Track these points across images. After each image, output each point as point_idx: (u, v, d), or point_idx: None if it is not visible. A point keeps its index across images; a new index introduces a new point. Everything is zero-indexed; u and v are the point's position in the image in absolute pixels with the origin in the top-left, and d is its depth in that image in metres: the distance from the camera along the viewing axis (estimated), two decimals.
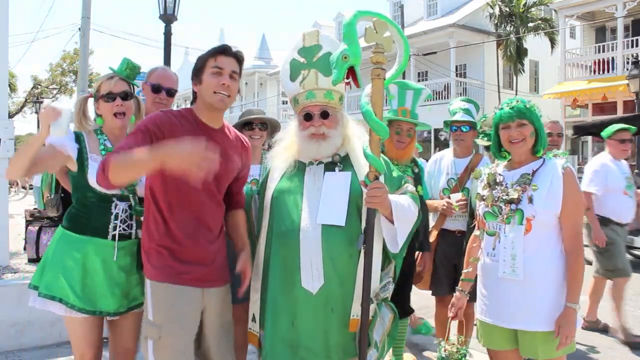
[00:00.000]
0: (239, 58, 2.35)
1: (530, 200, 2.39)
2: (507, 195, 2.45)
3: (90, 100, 2.68)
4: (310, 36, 2.39)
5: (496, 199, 2.50)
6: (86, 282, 2.45)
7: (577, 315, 2.36)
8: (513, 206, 2.43)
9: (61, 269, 2.45)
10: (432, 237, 3.74)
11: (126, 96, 2.57)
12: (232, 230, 2.53)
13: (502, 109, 2.50)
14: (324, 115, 2.32)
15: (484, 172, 2.65)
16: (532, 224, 2.39)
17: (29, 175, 2.58)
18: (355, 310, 2.23)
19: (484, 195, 2.57)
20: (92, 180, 2.45)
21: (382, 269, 2.35)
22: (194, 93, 2.37)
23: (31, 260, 5.33)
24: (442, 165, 3.87)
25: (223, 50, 2.31)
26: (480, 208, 2.58)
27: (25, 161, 2.35)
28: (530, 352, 2.45)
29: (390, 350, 2.40)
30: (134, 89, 2.66)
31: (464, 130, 3.70)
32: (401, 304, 3.42)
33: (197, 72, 2.32)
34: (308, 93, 2.34)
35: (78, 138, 2.53)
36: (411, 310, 3.54)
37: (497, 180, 2.54)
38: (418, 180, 3.45)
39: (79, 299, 2.44)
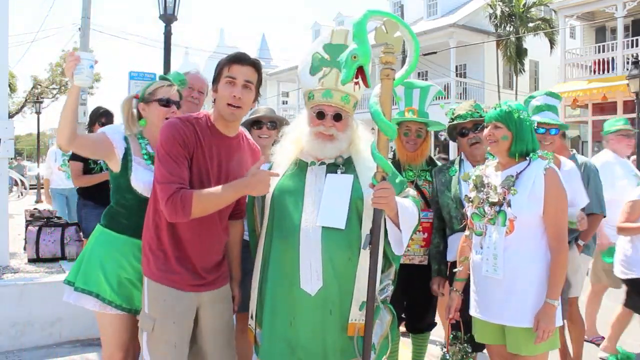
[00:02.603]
0: (255, 66, 2.33)
1: (509, 204, 2.48)
2: (490, 198, 2.56)
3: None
4: (339, 34, 2.37)
5: (482, 200, 2.60)
6: (123, 280, 2.48)
7: (557, 311, 2.44)
8: (497, 208, 2.53)
9: (99, 265, 2.49)
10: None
11: (178, 106, 2.68)
12: (228, 243, 2.54)
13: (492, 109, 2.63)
14: (337, 117, 2.30)
15: (472, 173, 2.73)
16: (515, 224, 2.48)
17: (75, 147, 2.52)
18: (354, 314, 2.23)
19: (471, 197, 2.67)
20: (135, 182, 2.49)
21: (383, 271, 2.35)
22: (214, 99, 2.37)
23: (31, 260, 5.35)
24: None
25: (237, 59, 2.28)
26: (469, 210, 2.68)
27: (66, 119, 2.37)
28: (514, 348, 2.54)
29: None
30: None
31: (553, 133, 3.30)
32: (425, 317, 3.45)
33: (215, 79, 2.32)
34: (326, 92, 2.30)
35: (125, 139, 2.58)
36: (434, 324, 3.52)
37: (484, 182, 2.63)
38: None
39: (116, 295, 2.47)
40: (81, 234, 5.16)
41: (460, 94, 22.36)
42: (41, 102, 28.31)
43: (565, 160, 3.45)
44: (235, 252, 2.60)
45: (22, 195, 18.07)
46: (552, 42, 21.57)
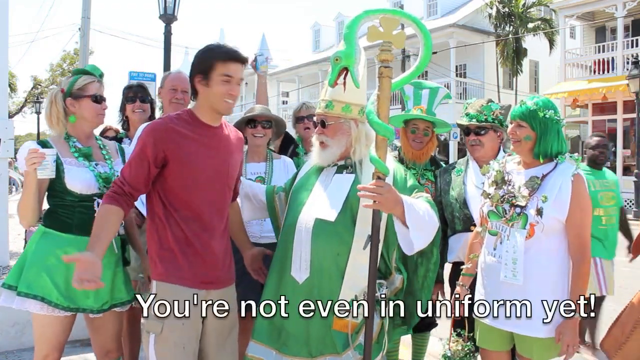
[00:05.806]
0: (245, 62, 2.35)
1: (539, 212, 2.33)
2: (514, 198, 2.42)
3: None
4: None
5: (502, 199, 2.46)
6: (70, 280, 2.40)
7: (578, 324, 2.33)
8: (518, 209, 2.38)
9: (44, 267, 2.43)
10: None
11: (104, 100, 2.68)
12: (231, 224, 2.56)
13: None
14: (322, 124, 2.43)
15: (492, 168, 2.59)
16: (535, 229, 2.35)
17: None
18: (340, 310, 2.26)
19: (490, 194, 2.52)
20: (70, 184, 2.47)
21: (386, 278, 2.39)
22: (195, 90, 2.33)
23: None
24: None
25: (234, 58, 2.28)
26: (485, 206, 2.54)
27: (30, 208, 2.48)
28: (526, 353, 2.45)
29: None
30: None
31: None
32: (425, 317, 3.40)
33: (205, 72, 2.26)
34: (319, 103, 2.48)
35: (45, 146, 2.48)
36: (435, 324, 3.49)
37: (505, 179, 2.50)
38: None
39: (63, 297, 2.43)
40: None
41: (460, 94, 22.33)
42: (41, 102, 28.33)
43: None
44: (241, 234, 2.70)
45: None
46: (551, 42, 21.55)
